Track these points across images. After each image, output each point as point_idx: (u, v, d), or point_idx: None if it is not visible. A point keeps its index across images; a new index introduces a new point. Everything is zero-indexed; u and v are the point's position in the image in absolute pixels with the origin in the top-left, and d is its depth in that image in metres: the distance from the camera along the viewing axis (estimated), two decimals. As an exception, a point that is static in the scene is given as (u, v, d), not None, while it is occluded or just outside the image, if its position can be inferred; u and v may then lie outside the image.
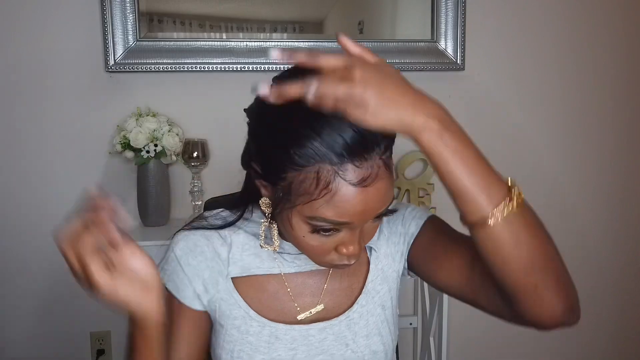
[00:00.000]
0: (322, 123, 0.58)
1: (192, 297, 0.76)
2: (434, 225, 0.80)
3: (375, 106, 0.54)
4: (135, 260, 0.57)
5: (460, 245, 0.73)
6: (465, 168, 0.57)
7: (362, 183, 0.59)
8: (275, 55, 0.55)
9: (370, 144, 0.59)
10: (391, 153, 0.64)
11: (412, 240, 0.80)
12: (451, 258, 0.74)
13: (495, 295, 0.66)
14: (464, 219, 0.60)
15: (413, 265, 0.82)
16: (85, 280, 0.55)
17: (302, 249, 0.68)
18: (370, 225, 0.68)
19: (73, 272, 0.56)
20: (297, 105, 0.59)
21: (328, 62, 0.55)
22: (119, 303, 0.57)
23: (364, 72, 0.54)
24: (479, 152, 0.59)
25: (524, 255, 0.59)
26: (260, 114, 0.65)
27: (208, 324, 0.78)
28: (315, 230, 0.63)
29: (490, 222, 0.58)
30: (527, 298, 0.61)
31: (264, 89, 0.56)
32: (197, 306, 0.76)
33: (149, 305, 0.59)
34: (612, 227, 1.90)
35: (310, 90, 0.54)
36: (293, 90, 0.55)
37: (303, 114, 0.59)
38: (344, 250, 0.66)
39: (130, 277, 0.57)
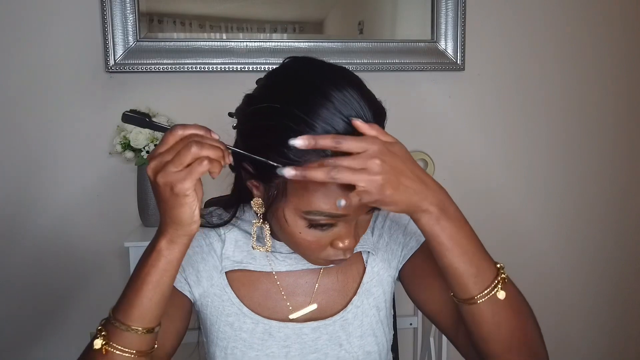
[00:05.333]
0: (315, 118, 0.59)
1: (182, 283, 0.77)
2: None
3: (390, 195, 0.57)
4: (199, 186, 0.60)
5: None
6: (458, 252, 0.62)
7: None
8: (299, 143, 0.57)
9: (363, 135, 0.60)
10: None
11: (409, 255, 0.81)
12: (445, 299, 0.76)
13: (472, 350, 0.72)
14: (452, 293, 0.67)
15: (403, 279, 0.84)
16: (175, 164, 0.57)
17: (298, 246, 0.68)
18: (364, 218, 0.69)
19: (159, 154, 0.58)
20: (288, 101, 0.61)
21: (350, 147, 0.57)
22: (180, 198, 0.58)
23: (383, 163, 0.56)
24: (474, 237, 0.65)
25: (501, 335, 0.65)
26: (250, 113, 0.65)
27: (189, 311, 0.79)
28: (312, 225, 0.64)
29: (475, 302, 0.64)
30: None
31: (289, 172, 0.57)
32: (185, 292, 0.78)
33: (196, 217, 0.60)
34: (612, 226, 1.90)
35: (333, 176, 0.56)
36: (317, 175, 0.56)
37: (294, 111, 0.60)
38: (340, 245, 0.67)
39: (197, 190, 0.59)
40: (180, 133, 0.58)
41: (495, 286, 0.64)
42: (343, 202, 0.56)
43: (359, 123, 0.59)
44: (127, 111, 0.60)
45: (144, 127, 0.61)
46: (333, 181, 0.56)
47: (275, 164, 0.60)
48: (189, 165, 0.56)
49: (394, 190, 0.57)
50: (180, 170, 0.56)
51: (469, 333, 0.68)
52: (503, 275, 0.65)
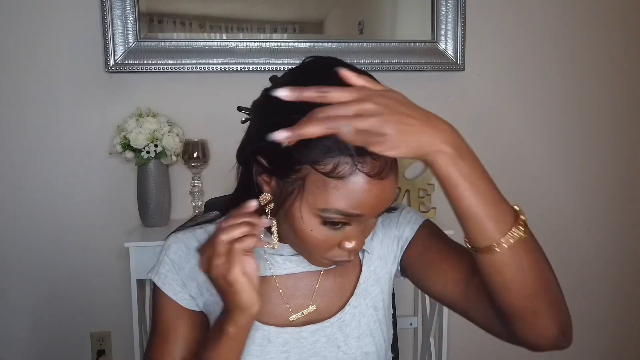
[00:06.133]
0: None
1: (188, 300, 0.76)
2: (429, 231, 0.81)
3: (395, 137, 0.54)
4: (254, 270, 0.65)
5: (455, 257, 0.75)
6: (476, 194, 0.58)
7: (378, 175, 0.60)
8: (283, 94, 0.56)
9: None
10: None
11: (406, 245, 0.81)
12: (446, 270, 0.75)
13: (489, 312, 0.68)
14: (470, 243, 0.62)
15: (406, 270, 0.83)
16: (223, 262, 0.63)
17: (305, 244, 0.67)
18: (372, 221, 0.69)
19: (211, 253, 0.63)
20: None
21: (338, 97, 0.55)
22: (233, 286, 0.63)
23: (377, 104, 0.54)
24: (490, 178, 0.61)
25: (525, 281, 0.61)
26: (270, 108, 0.64)
27: (205, 324, 0.78)
28: (325, 223, 0.64)
29: (496, 248, 0.59)
30: (524, 321, 0.63)
31: (281, 134, 0.55)
32: (194, 307, 0.77)
33: (255, 299, 0.65)
34: (612, 227, 1.90)
35: (328, 126, 0.54)
36: (312, 130, 0.54)
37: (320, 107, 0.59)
38: (348, 245, 0.66)
39: (250, 277, 0.64)
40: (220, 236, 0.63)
41: (517, 228, 0.60)
42: (350, 128, 0.53)
43: (345, 72, 0.57)
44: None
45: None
46: (329, 132, 0.53)
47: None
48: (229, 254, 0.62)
49: (396, 130, 0.54)
50: (223, 262, 0.62)
51: (488, 285, 0.64)
52: (523, 217, 0.62)
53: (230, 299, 0.64)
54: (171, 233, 0.80)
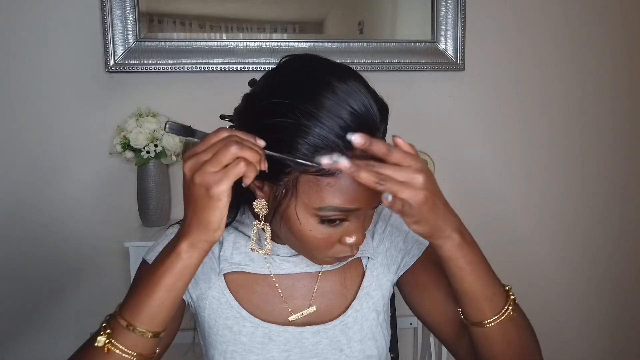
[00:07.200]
0: (320, 109, 0.59)
1: None
2: (433, 257, 0.82)
3: (425, 213, 0.58)
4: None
5: (450, 293, 0.77)
6: (476, 277, 0.65)
7: None
8: (356, 140, 0.56)
9: (373, 128, 0.61)
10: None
11: (412, 263, 0.82)
12: (445, 311, 0.78)
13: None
14: (464, 316, 0.69)
15: (402, 287, 0.84)
16: (213, 169, 0.56)
17: (306, 245, 0.67)
18: (370, 212, 0.69)
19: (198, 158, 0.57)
20: (296, 96, 0.61)
21: (398, 159, 0.57)
22: (214, 201, 0.56)
23: (425, 181, 0.57)
24: (486, 260, 0.67)
25: (512, 352, 0.69)
26: (260, 111, 0.64)
27: (183, 313, 0.79)
28: (323, 221, 0.64)
29: (488, 324, 0.67)
30: None
31: (345, 163, 0.56)
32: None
33: (223, 223, 0.59)
34: (613, 227, 1.89)
35: (381, 184, 0.56)
36: (366, 178, 0.56)
37: (302, 105, 0.60)
38: (349, 240, 0.67)
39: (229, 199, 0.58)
40: (223, 134, 0.58)
41: (508, 308, 0.67)
42: (390, 197, 0.56)
43: (400, 141, 0.58)
44: (170, 121, 0.59)
45: (187, 136, 0.60)
46: (376, 188, 0.56)
47: (310, 164, 0.59)
48: (226, 166, 0.55)
49: (429, 210, 0.58)
50: (217, 171, 0.55)
51: (477, 351, 0.70)
52: (513, 297, 0.68)
53: (201, 214, 0.57)
54: (172, 224, 0.81)
